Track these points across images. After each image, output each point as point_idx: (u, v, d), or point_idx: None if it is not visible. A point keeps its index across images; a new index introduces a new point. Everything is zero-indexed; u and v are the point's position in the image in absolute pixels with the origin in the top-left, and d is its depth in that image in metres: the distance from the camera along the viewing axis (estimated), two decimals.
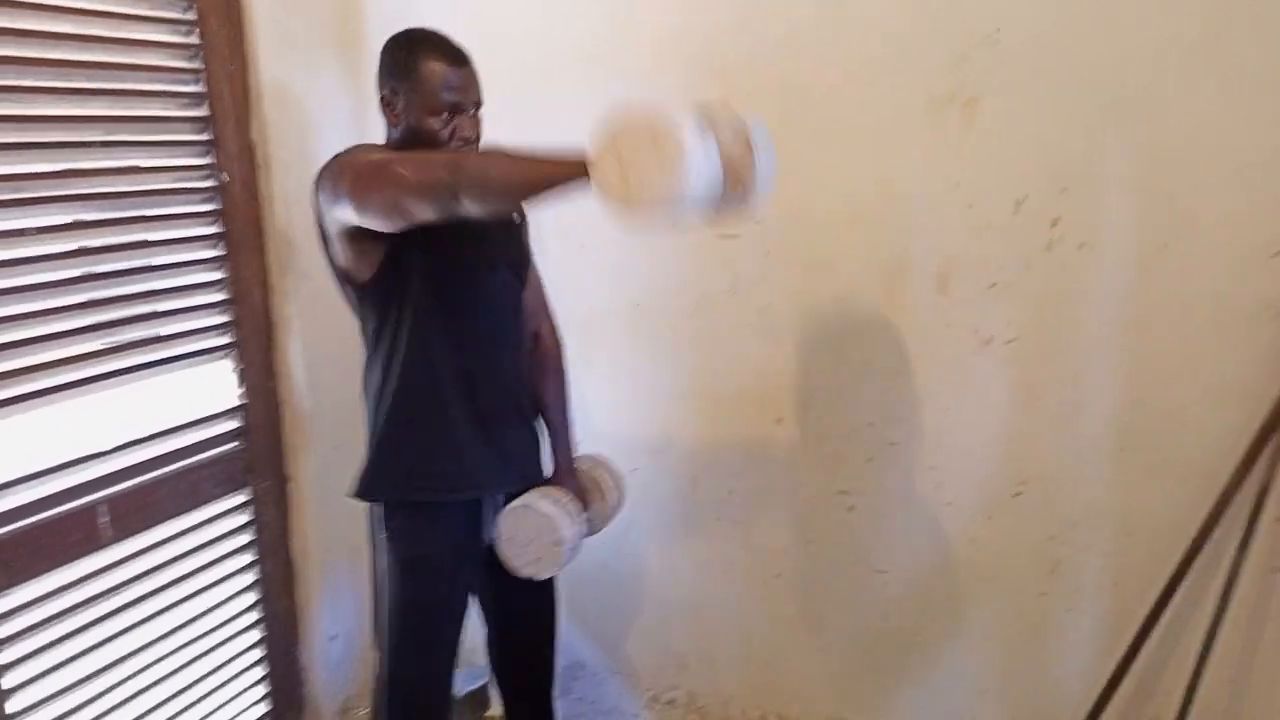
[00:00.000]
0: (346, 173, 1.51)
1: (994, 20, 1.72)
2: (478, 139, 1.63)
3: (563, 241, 2.07)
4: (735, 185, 1.28)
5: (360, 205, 1.48)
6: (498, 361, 1.72)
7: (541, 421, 1.87)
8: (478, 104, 1.63)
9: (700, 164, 1.22)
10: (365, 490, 1.71)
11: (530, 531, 1.72)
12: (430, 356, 1.64)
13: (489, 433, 1.71)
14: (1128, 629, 1.85)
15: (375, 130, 2.12)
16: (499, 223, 1.73)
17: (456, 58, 1.60)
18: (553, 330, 1.90)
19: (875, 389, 1.98)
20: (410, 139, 1.60)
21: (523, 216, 1.82)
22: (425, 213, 1.43)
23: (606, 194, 1.27)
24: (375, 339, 1.68)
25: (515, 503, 1.73)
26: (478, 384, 1.68)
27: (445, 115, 1.57)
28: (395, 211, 1.46)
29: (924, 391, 1.94)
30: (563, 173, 1.31)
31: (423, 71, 1.56)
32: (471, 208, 1.39)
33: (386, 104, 1.61)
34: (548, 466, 1.88)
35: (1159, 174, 1.69)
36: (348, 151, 1.59)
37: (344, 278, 1.67)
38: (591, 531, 1.89)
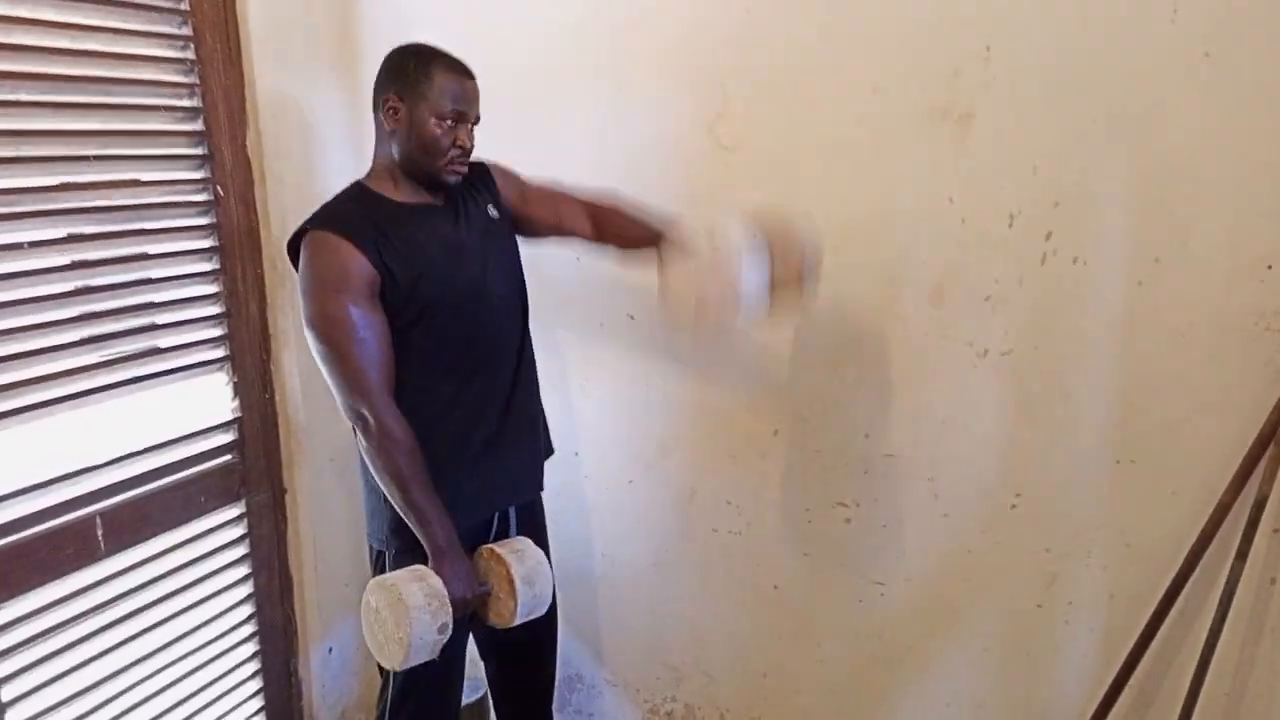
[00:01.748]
0: (313, 311, 1.58)
1: (986, 36, 1.72)
2: (470, 153, 1.67)
3: (558, 254, 2.07)
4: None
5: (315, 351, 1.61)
6: (496, 390, 1.74)
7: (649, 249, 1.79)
8: (477, 119, 1.68)
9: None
10: (378, 539, 1.76)
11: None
12: (427, 394, 1.67)
13: (492, 458, 1.74)
14: (1125, 641, 1.85)
15: (371, 143, 2.13)
16: (480, 229, 1.74)
17: (465, 71, 1.65)
18: (595, 195, 1.86)
19: (871, 401, 1.98)
20: (408, 144, 1.63)
21: (499, 209, 1.80)
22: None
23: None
24: None
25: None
26: (477, 417, 1.71)
27: (449, 123, 1.61)
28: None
29: (920, 404, 1.94)
30: (422, 532, 1.60)
31: (434, 79, 1.60)
32: (362, 442, 1.60)
33: (389, 108, 1.63)
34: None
35: (1152, 188, 1.69)
36: (317, 249, 1.58)
37: None
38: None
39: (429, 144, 1.61)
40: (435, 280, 1.63)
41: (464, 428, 1.70)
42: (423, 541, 1.61)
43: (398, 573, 1.59)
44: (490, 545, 1.67)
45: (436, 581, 1.56)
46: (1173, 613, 1.79)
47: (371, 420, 1.57)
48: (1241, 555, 1.71)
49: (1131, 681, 1.84)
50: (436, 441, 1.66)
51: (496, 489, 1.77)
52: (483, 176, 1.83)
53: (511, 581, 1.61)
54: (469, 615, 1.69)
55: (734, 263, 1.51)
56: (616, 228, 1.83)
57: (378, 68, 1.68)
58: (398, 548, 1.71)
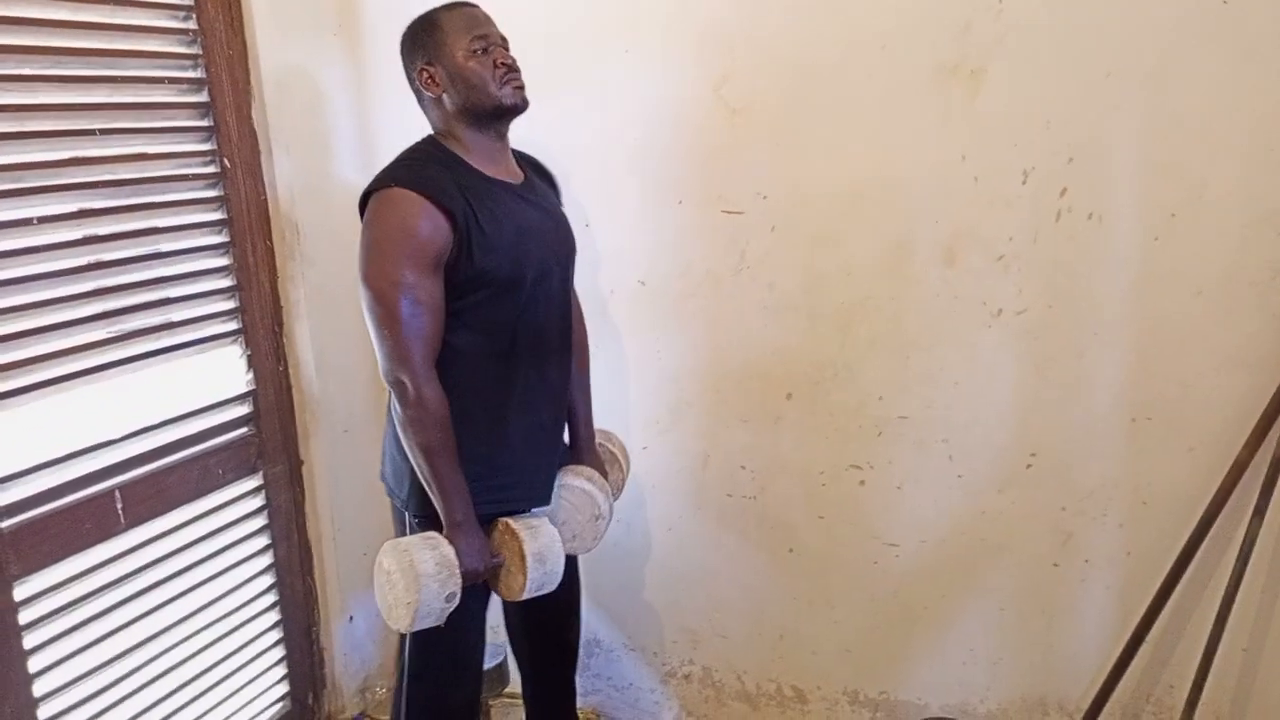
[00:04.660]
0: (373, 270, 1.54)
1: None
2: (518, 68, 1.65)
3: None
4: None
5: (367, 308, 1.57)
6: (547, 374, 1.72)
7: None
8: (504, 40, 1.66)
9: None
10: (400, 500, 1.74)
11: (569, 509, 1.76)
12: (477, 370, 1.65)
13: (538, 444, 1.73)
14: (1142, 598, 1.85)
15: (377, 113, 2.12)
16: (548, 214, 1.73)
17: (466, 3, 1.65)
18: (578, 311, 1.90)
19: (884, 363, 1.97)
20: (458, 94, 1.61)
21: (557, 195, 1.84)
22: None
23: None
24: None
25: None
26: (528, 398, 1.69)
27: (480, 52, 1.60)
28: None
29: (934, 365, 1.93)
30: (441, 504, 1.60)
31: (444, 25, 1.61)
32: (397, 408, 1.58)
33: (426, 77, 1.62)
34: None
35: (1166, 143, 1.66)
36: (395, 206, 1.54)
37: None
38: None
39: (475, 77, 1.59)
40: (506, 258, 1.59)
41: (508, 412, 1.68)
42: (440, 513, 1.61)
43: (412, 538, 1.61)
44: (507, 519, 1.68)
45: (449, 550, 1.58)
46: (1190, 570, 1.79)
47: (411, 389, 1.55)
48: (1259, 513, 1.71)
49: (1149, 638, 1.85)
50: (474, 419, 1.64)
51: (519, 488, 1.73)
52: (553, 184, 1.86)
53: (523, 557, 1.63)
54: (485, 584, 1.71)
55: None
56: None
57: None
58: (419, 513, 1.70)
